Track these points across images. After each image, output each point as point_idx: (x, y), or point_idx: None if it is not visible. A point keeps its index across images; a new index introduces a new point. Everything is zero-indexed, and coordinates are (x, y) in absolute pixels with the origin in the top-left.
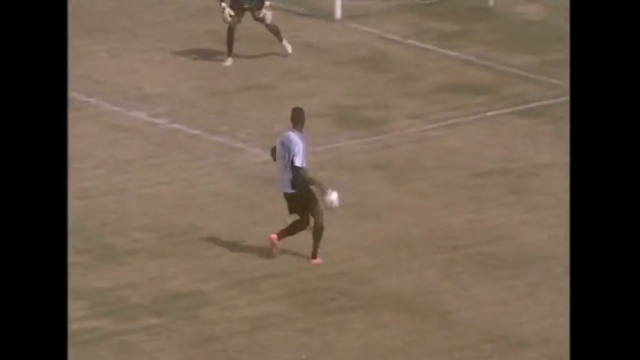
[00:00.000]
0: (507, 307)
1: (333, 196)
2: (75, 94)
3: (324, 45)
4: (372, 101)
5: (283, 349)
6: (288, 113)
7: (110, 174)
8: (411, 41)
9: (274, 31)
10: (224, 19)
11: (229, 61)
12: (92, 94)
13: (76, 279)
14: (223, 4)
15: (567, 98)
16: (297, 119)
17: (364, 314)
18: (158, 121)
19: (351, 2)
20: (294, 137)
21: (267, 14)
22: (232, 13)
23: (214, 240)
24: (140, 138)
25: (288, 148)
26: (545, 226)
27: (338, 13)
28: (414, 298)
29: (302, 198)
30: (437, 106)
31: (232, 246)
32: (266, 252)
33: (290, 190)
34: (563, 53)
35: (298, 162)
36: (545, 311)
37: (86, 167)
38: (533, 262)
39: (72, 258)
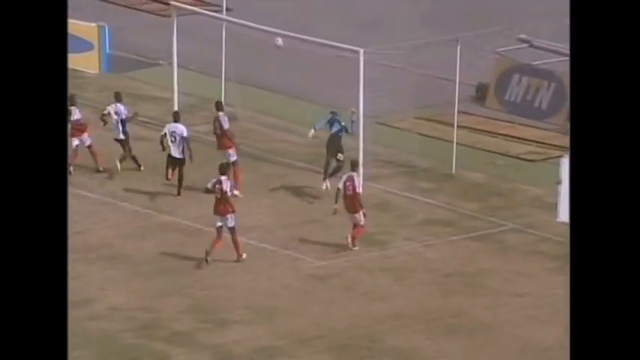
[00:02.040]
0: None
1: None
2: None
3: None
4: (380, 229)
5: None
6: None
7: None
8: (405, 193)
9: (337, 169)
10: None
11: (325, 184)
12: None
13: None
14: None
15: (501, 229)
16: None
17: None
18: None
19: (368, 170)
20: None
21: (341, 156)
22: (342, 158)
23: (288, 311)
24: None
25: None
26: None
27: (360, 179)
28: None
29: None
30: (421, 234)
31: (297, 317)
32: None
33: None
34: (499, 202)
35: None
36: None
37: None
38: None
39: None
